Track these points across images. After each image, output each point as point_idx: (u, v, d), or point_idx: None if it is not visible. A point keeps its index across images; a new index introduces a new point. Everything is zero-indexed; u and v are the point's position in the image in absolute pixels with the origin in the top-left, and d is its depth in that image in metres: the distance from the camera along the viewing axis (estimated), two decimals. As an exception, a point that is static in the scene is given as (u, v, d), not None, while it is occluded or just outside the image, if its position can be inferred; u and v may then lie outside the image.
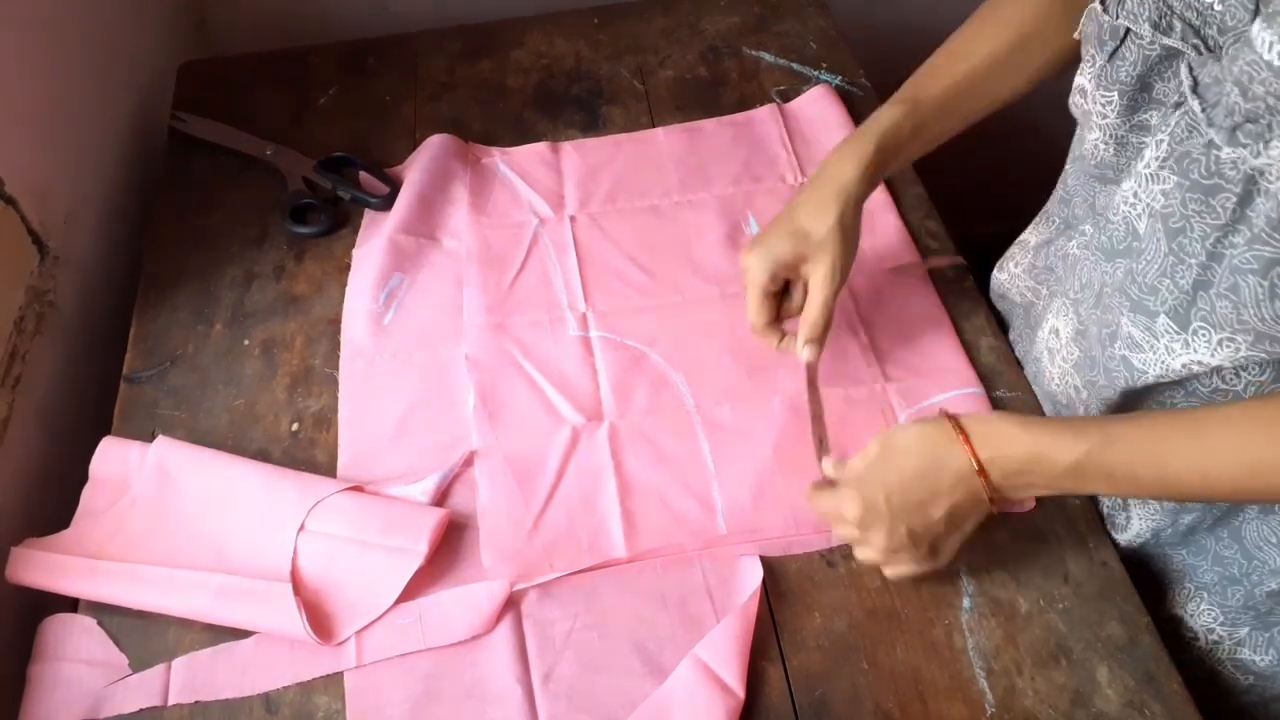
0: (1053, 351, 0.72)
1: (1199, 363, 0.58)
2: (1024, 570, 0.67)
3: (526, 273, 0.85)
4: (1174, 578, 0.71)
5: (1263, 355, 0.55)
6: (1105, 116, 0.62)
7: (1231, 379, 0.60)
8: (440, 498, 0.71)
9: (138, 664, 0.65)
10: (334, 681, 0.64)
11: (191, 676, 0.64)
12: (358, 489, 0.70)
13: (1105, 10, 0.60)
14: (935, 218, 0.89)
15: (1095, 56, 0.62)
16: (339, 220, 0.90)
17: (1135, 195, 0.60)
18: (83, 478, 0.72)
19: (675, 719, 0.60)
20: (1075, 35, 0.64)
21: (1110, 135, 0.63)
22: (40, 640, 0.65)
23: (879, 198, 0.88)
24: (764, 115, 0.97)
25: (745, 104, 0.99)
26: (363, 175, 0.92)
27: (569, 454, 0.73)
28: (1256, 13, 0.51)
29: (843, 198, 0.68)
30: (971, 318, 0.81)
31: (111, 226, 0.92)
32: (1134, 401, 0.65)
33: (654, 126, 0.97)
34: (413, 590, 0.66)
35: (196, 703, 0.63)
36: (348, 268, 0.86)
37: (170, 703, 0.63)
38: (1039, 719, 0.61)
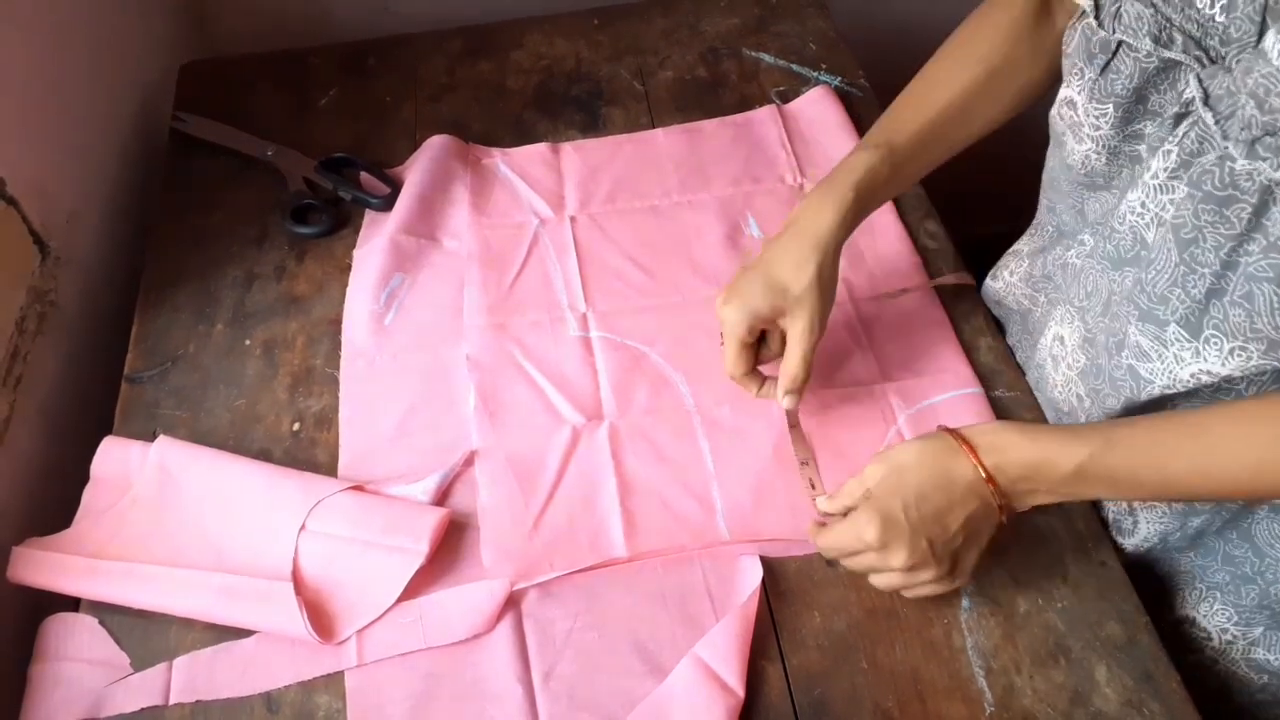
0: (1057, 359, 0.72)
1: (1208, 372, 0.57)
2: (1023, 570, 0.67)
3: (527, 273, 0.85)
4: (1184, 580, 0.71)
5: (1274, 364, 0.55)
6: (1099, 129, 0.62)
7: (1237, 395, 0.60)
8: (441, 497, 0.72)
9: (139, 663, 0.65)
10: (335, 680, 0.64)
11: (192, 676, 0.64)
12: (359, 489, 0.71)
13: (1101, 26, 0.60)
14: (934, 218, 0.89)
15: (1084, 70, 0.62)
16: (340, 221, 0.90)
17: (1143, 205, 0.60)
18: (84, 477, 0.72)
19: (675, 718, 0.61)
20: (1067, 48, 0.64)
21: (1103, 146, 0.63)
22: (41, 640, 0.66)
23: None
24: (763, 116, 0.98)
25: (745, 105, 0.99)
26: (363, 176, 0.92)
27: (569, 454, 0.73)
28: (1263, 24, 0.51)
29: (821, 249, 0.67)
30: (970, 318, 0.82)
31: (113, 227, 0.92)
32: (1137, 413, 0.65)
33: (654, 127, 0.98)
34: (413, 589, 0.66)
35: (198, 702, 0.63)
36: (348, 268, 0.86)
37: (171, 702, 0.63)
38: (1038, 718, 0.61)
